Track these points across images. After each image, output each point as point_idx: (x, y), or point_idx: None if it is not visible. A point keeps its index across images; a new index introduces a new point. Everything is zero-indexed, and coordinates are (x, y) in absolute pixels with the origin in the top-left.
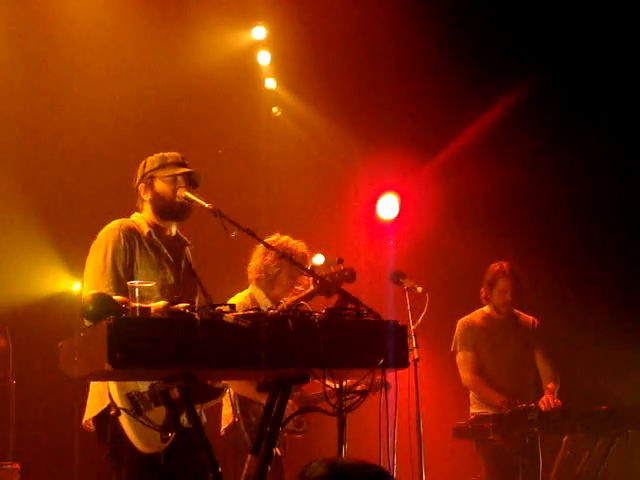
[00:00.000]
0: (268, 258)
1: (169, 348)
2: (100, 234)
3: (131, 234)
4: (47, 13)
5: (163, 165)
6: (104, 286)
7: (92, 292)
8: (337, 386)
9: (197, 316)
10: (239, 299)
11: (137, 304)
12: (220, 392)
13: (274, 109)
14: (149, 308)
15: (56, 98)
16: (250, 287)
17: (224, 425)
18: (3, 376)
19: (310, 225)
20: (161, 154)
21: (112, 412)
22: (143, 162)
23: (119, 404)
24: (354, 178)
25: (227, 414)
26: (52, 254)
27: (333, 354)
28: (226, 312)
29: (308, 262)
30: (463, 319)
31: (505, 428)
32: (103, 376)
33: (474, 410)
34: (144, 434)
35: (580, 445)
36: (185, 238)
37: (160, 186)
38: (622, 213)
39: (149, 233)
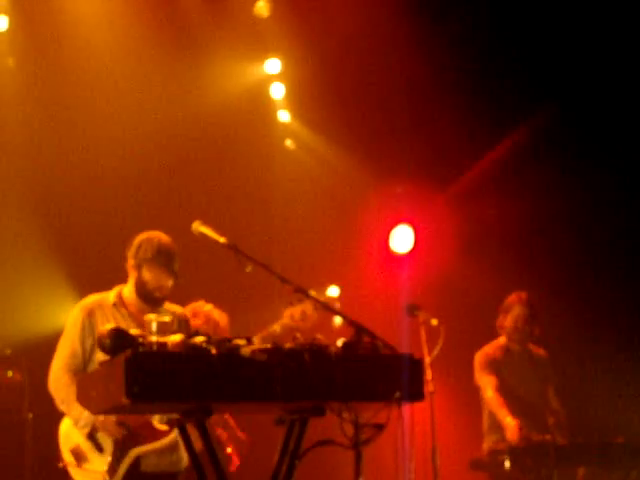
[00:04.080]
0: (197, 321)
1: (186, 382)
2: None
3: (93, 309)
4: (61, 41)
5: (153, 260)
6: (63, 360)
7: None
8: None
9: (214, 350)
10: None
11: (154, 338)
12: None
13: (287, 142)
14: (166, 342)
15: (70, 133)
16: None
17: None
18: (19, 409)
19: (324, 258)
20: (156, 247)
21: (60, 464)
22: (139, 242)
23: (66, 459)
24: (368, 210)
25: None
26: (66, 287)
27: (349, 388)
28: (242, 346)
29: (227, 334)
30: (480, 351)
31: (521, 460)
32: (121, 410)
33: (487, 444)
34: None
35: (596, 478)
36: (167, 310)
37: (146, 275)
38: (638, 244)
39: (114, 304)
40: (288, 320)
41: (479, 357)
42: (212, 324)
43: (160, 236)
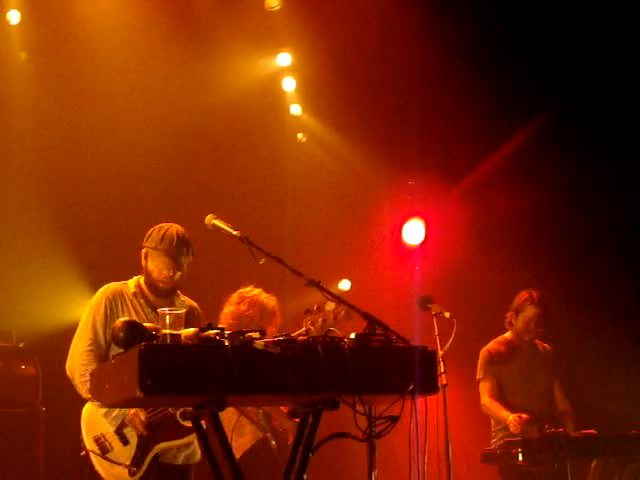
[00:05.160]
0: (242, 307)
1: (199, 374)
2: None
3: (114, 296)
4: (73, 35)
5: (156, 248)
6: (86, 344)
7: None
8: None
9: (227, 343)
10: None
11: (168, 331)
12: (191, 430)
13: (299, 135)
14: (179, 335)
15: (83, 126)
16: None
17: (240, 453)
18: (32, 403)
19: (336, 251)
20: (161, 235)
21: (82, 453)
22: (151, 230)
23: (88, 446)
24: (380, 203)
25: (240, 443)
26: (79, 280)
27: (363, 380)
28: (256, 338)
29: (276, 316)
30: (486, 348)
31: (534, 453)
32: (134, 403)
33: (495, 440)
34: (113, 471)
35: (609, 469)
36: (184, 300)
37: (150, 265)
38: None
39: (134, 294)
40: (308, 328)
41: (482, 356)
42: (258, 309)
43: (171, 226)
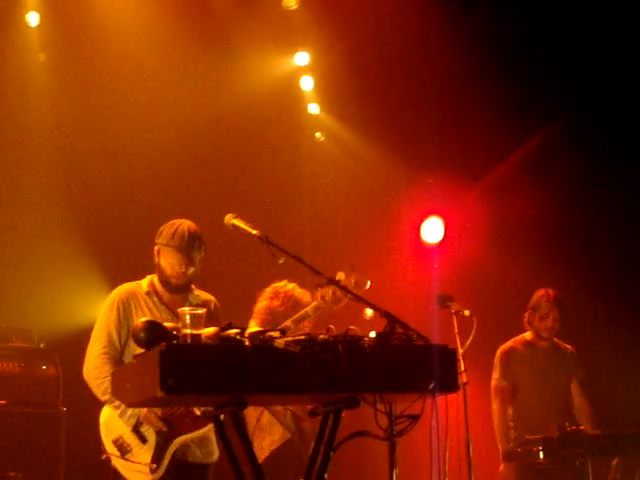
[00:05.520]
0: (276, 302)
1: (220, 374)
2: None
3: (127, 297)
4: (92, 36)
5: (168, 245)
6: (100, 346)
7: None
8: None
9: (248, 342)
10: None
11: (188, 330)
12: (207, 422)
13: (317, 134)
14: (200, 334)
15: (102, 126)
16: (251, 326)
17: (263, 456)
18: (53, 404)
19: (355, 249)
20: (173, 232)
21: (103, 456)
22: (163, 227)
23: (108, 449)
24: (398, 202)
25: (269, 442)
26: (99, 280)
27: (383, 378)
28: (276, 337)
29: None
30: (503, 346)
31: (555, 451)
32: (155, 403)
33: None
34: (135, 472)
35: (630, 467)
36: (198, 295)
37: (162, 261)
38: None
39: (147, 293)
40: (320, 302)
41: (498, 355)
42: (292, 304)
43: (182, 223)
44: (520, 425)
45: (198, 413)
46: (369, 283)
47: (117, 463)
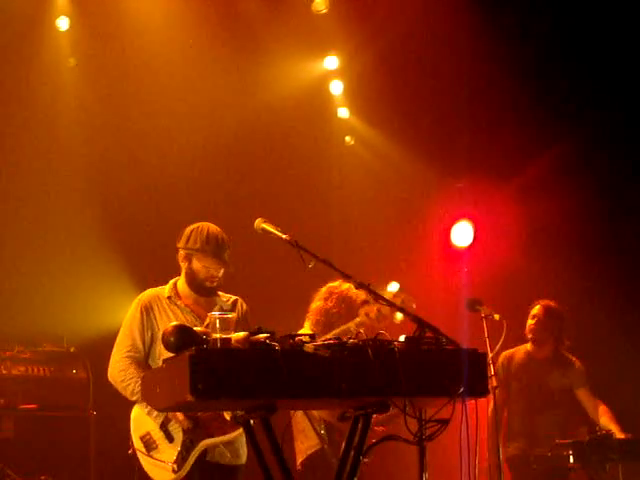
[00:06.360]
0: (329, 303)
1: (250, 378)
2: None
3: (150, 302)
4: (122, 40)
5: (203, 250)
6: (124, 350)
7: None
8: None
9: (277, 346)
10: None
11: (218, 335)
12: (236, 427)
13: (347, 138)
14: (230, 339)
15: (131, 130)
16: (306, 326)
17: (301, 458)
18: (83, 407)
19: (384, 253)
20: (205, 237)
21: (129, 451)
22: (188, 232)
23: (135, 445)
24: (428, 205)
25: (306, 446)
26: (128, 284)
27: (413, 383)
28: (306, 342)
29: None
30: (504, 353)
31: (585, 455)
32: (185, 407)
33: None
34: (159, 468)
35: None
36: (224, 299)
37: (196, 265)
38: None
39: (169, 297)
40: (364, 318)
41: (500, 362)
42: (346, 306)
43: (209, 226)
44: (509, 431)
45: (227, 417)
46: (415, 306)
47: (142, 459)
